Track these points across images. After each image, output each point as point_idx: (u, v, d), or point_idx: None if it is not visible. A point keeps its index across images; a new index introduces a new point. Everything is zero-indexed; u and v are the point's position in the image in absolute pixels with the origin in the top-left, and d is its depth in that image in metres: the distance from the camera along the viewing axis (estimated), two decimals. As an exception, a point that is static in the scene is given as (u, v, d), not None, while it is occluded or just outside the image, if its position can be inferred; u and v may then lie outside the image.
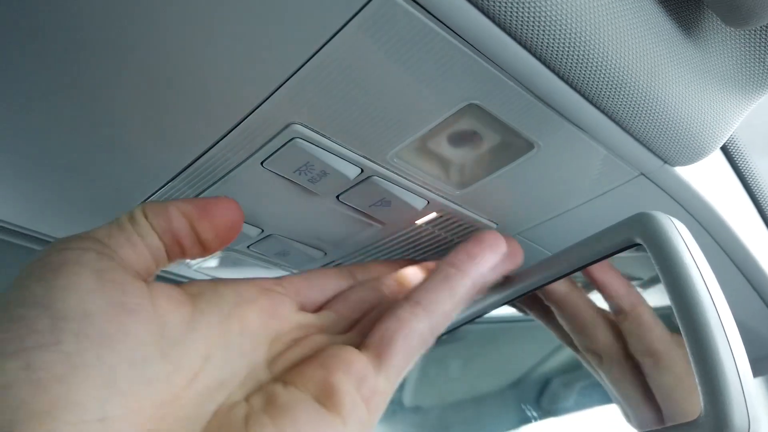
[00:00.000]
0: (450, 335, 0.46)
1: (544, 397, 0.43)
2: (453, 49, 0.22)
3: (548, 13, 0.21)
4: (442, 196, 0.31)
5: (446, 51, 0.22)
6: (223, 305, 0.23)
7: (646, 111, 0.26)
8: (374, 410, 0.22)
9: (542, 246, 0.37)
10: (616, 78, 0.24)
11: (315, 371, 0.22)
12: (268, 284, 0.26)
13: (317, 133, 0.26)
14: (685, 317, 0.22)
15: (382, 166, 0.29)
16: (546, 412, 0.43)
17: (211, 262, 0.42)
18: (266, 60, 0.22)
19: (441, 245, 0.37)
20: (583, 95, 0.24)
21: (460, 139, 0.28)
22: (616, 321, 0.31)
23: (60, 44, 0.22)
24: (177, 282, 0.24)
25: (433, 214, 0.33)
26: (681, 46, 0.25)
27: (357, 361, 0.22)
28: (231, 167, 0.29)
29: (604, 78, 0.24)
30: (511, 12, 0.20)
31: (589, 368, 0.33)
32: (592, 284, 0.32)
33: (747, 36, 0.26)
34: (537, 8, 0.20)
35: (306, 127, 0.26)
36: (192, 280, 0.24)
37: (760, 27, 0.26)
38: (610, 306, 0.31)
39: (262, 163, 0.28)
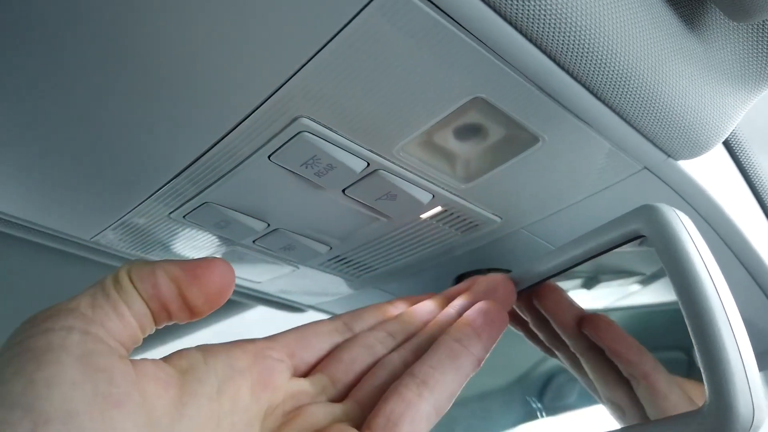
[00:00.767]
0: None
1: (549, 392, 0.43)
2: (460, 42, 0.22)
3: (554, 7, 0.21)
4: (448, 190, 0.32)
5: (453, 44, 0.22)
6: (214, 381, 0.22)
7: (650, 105, 0.26)
8: None
9: (546, 240, 0.38)
10: (620, 72, 0.24)
11: None
12: (261, 349, 0.25)
13: (324, 126, 0.26)
14: (689, 308, 0.22)
15: (389, 160, 0.29)
16: (551, 408, 0.43)
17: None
18: (274, 53, 0.23)
19: (446, 239, 0.37)
20: (588, 89, 0.25)
21: (465, 133, 0.28)
22: (632, 386, 0.30)
23: (67, 36, 0.22)
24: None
25: (438, 208, 0.33)
26: (685, 40, 0.25)
27: None
28: (238, 161, 0.29)
29: (609, 72, 0.24)
30: (517, 6, 0.20)
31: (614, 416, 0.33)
32: (605, 349, 0.31)
33: (750, 30, 0.27)
34: (543, 2, 0.21)
35: (313, 120, 0.26)
36: (180, 350, 0.23)
37: (763, 21, 0.26)
38: (623, 372, 0.30)
39: (269, 157, 0.28)
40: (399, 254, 0.39)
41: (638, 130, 0.27)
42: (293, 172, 0.30)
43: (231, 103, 0.25)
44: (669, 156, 0.29)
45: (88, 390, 0.18)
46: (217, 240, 0.38)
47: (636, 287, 0.36)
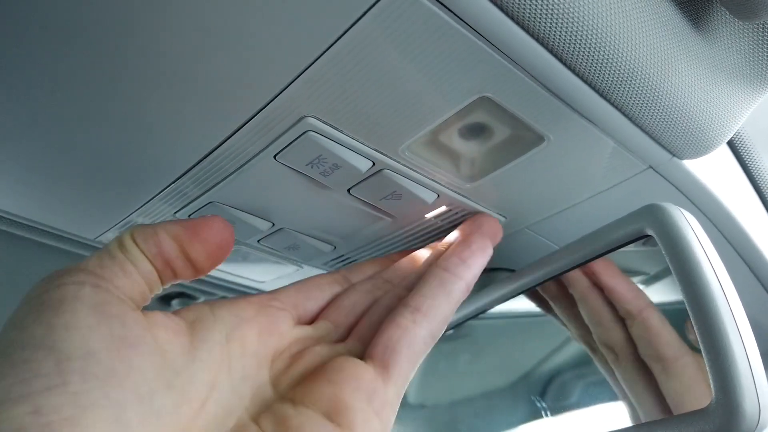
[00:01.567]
0: (456, 331, 0.46)
1: (552, 392, 0.43)
2: (466, 41, 0.22)
3: (561, 6, 0.21)
4: (453, 190, 0.32)
5: (459, 44, 0.22)
6: (222, 329, 0.23)
7: (655, 104, 0.26)
8: (386, 421, 0.22)
9: (551, 240, 0.38)
10: (626, 71, 0.24)
11: (324, 388, 0.22)
12: (265, 300, 0.26)
13: (330, 126, 0.27)
14: (695, 307, 0.22)
15: (394, 160, 0.29)
16: (555, 407, 0.44)
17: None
18: (281, 53, 0.23)
19: (450, 239, 0.37)
20: (593, 88, 0.25)
21: (470, 132, 0.28)
22: (626, 324, 0.32)
23: (72, 34, 0.22)
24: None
25: (443, 208, 0.33)
26: (690, 39, 0.25)
27: (365, 374, 0.22)
28: (244, 161, 0.29)
29: (614, 71, 0.24)
30: (524, 5, 0.21)
31: (600, 366, 0.34)
32: (600, 288, 0.32)
33: (756, 29, 0.27)
34: (550, 1, 0.21)
35: (319, 120, 0.26)
36: (188, 305, 0.24)
37: (769, 20, 0.26)
38: (619, 310, 0.32)
39: (274, 157, 0.29)
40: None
41: (643, 130, 0.27)
42: (299, 172, 0.30)
43: (237, 103, 0.25)
44: (674, 155, 0.29)
45: (105, 332, 0.19)
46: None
47: (641, 287, 0.36)
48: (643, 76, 0.24)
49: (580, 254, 0.28)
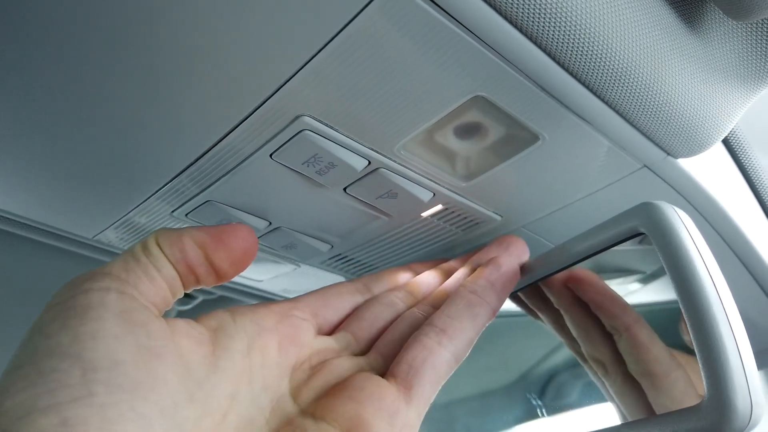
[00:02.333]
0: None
1: (550, 391, 0.44)
2: (460, 41, 0.22)
3: (554, 5, 0.21)
4: (448, 188, 0.32)
5: (453, 43, 0.22)
6: (244, 338, 0.23)
7: (649, 103, 0.26)
8: None
9: (547, 239, 0.38)
10: (619, 70, 0.24)
11: (346, 405, 0.22)
12: (286, 309, 0.26)
13: (326, 125, 0.27)
14: (688, 304, 0.22)
15: (390, 158, 0.29)
16: (552, 407, 0.44)
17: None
18: (276, 52, 0.23)
19: (446, 237, 0.37)
20: (587, 87, 0.25)
21: (466, 131, 0.28)
22: (614, 339, 0.31)
23: (68, 33, 0.23)
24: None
25: (439, 206, 0.33)
26: (684, 38, 0.25)
27: (388, 394, 0.22)
28: (240, 160, 0.29)
29: (608, 70, 0.24)
30: (517, 4, 0.21)
31: (592, 376, 0.33)
32: (589, 303, 0.32)
33: (749, 29, 0.27)
34: (543, 1, 0.21)
35: (315, 119, 0.26)
36: (209, 313, 0.24)
37: (763, 20, 0.26)
38: (606, 325, 0.31)
39: (271, 156, 0.29)
40: (400, 253, 0.39)
41: (637, 128, 0.28)
42: (295, 171, 0.30)
43: (233, 101, 0.26)
44: (668, 154, 0.29)
45: (130, 342, 0.19)
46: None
47: (636, 286, 0.36)
48: (636, 75, 0.25)
49: (575, 253, 0.29)
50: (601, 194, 0.33)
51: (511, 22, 0.21)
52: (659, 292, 0.32)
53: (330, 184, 0.31)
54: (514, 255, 0.31)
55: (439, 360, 0.24)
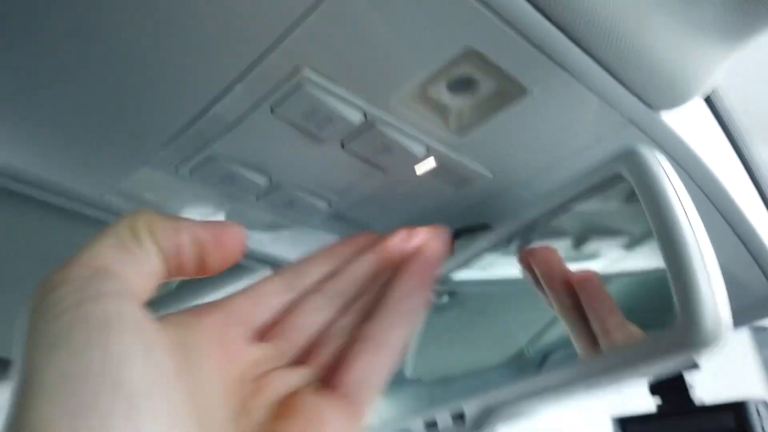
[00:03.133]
0: (451, 300, 0.48)
1: (547, 365, 0.44)
2: None
3: None
4: (442, 144, 0.33)
5: None
6: (188, 353, 0.21)
7: (633, 56, 0.27)
8: None
9: (538, 197, 0.39)
10: (605, 22, 0.25)
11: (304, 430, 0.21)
12: (218, 317, 0.23)
13: (325, 77, 0.28)
14: (664, 236, 0.24)
15: (385, 112, 0.31)
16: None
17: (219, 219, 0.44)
18: (275, 4, 0.24)
19: (440, 197, 0.39)
20: (573, 41, 0.26)
21: (458, 86, 0.30)
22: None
23: None
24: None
25: (432, 162, 0.35)
26: (665, -7, 0.27)
27: (340, 416, 0.22)
28: (242, 114, 0.31)
29: (593, 22, 0.25)
30: None
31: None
32: (583, 302, 0.34)
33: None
34: None
35: (314, 71, 0.28)
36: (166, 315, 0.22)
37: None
38: (593, 327, 0.33)
39: (271, 110, 0.30)
40: (395, 212, 0.41)
41: (621, 82, 0.29)
42: (294, 125, 0.31)
43: (237, 50, 0.27)
44: (651, 107, 0.31)
45: (151, 363, 0.18)
46: (222, 199, 0.40)
47: (622, 252, 0.37)
48: (620, 28, 0.26)
49: (560, 200, 0.30)
50: (589, 151, 0.34)
51: None
52: (646, 259, 0.33)
53: (328, 138, 0.32)
54: (437, 248, 0.29)
55: (383, 372, 0.24)
